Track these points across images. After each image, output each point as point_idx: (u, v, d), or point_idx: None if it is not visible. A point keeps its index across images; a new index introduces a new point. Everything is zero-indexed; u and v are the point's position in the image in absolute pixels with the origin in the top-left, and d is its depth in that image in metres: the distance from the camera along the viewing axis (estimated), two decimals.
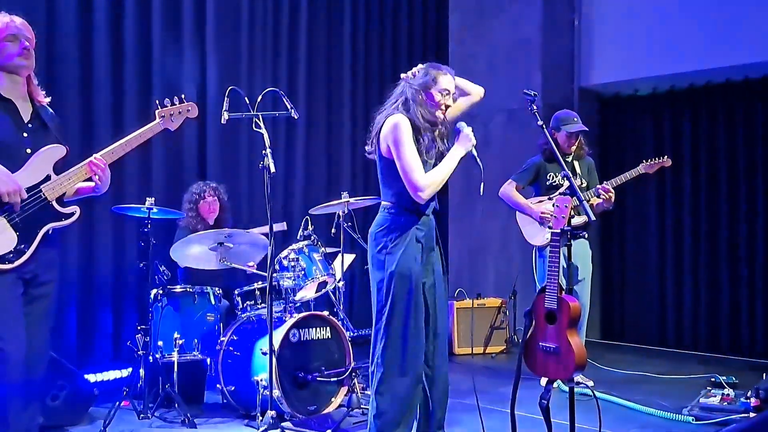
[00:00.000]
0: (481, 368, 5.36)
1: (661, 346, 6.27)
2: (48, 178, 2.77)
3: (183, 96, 3.09)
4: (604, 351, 5.89)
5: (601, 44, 6.35)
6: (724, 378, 4.54)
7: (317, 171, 6.03)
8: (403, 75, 3.14)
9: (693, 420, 3.87)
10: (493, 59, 6.67)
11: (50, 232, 2.77)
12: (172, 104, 3.02)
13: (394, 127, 2.97)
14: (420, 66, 3.12)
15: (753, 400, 3.82)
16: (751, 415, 3.75)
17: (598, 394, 4.34)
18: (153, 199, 4.01)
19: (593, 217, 2.88)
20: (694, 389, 4.41)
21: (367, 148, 3.18)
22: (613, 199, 4.48)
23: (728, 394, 4.12)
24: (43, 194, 2.75)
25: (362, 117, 6.41)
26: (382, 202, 3.13)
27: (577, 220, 4.34)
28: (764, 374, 4.46)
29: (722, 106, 6.07)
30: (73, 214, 2.82)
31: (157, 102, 3.04)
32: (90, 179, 2.87)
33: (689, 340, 6.21)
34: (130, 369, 4.26)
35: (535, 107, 3.22)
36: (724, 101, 6.06)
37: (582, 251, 4.64)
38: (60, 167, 2.81)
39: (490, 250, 6.74)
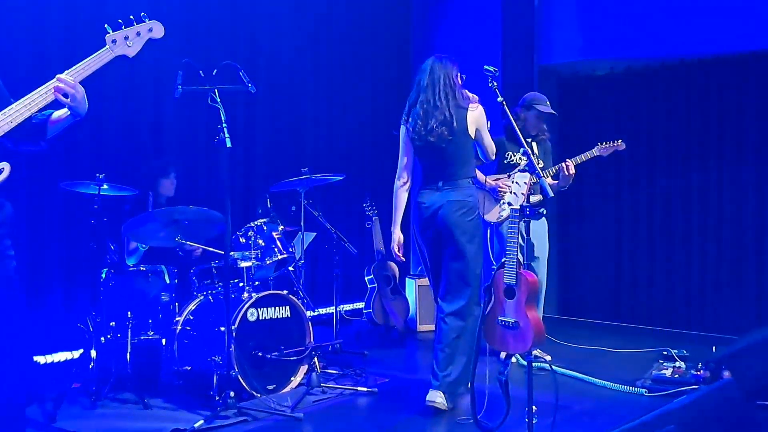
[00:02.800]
0: None
1: (618, 321, 6.38)
2: None
3: (142, 14, 2.59)
4: (561, 326, 5.97)
5: (561, 23, 6.36)
6: (676, 351, 4.66)
7: (280, 148, 5.93)
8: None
9: (645, 392, 3.96)
10: (455, 37, 6.64)
11: None
12: (127, 27, 2.52)
13: (483, 113, 3.69)
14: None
15: (702, 372, 3.92)
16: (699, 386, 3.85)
17: (554, 368, 4.42)
18: (103, 175, 3.88)
19: (551, 194, 2.90)
20: (648, 362, 4.51)
21: (435, 136, 3.64)
22: (572, 178, 4.50)
23: (680, 367, 4.23)
24: None
25: (325, 92, 6.33)
26: (465, 179, 3.69)
27: (533, 198, 4.35)
28: (714, 347, 4.58)
29: (678, 85, 6.15)
30: (1, 171, 2.44)
31: (107, 26, 2.53)
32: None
33: (644, 315, 6.33)
34: (81, 350, 4.15)
35: (495, 84, 3.22)
36: (679, 81, 6.14)
37: (539, 229, 4.67)
38: None
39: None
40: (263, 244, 4.16)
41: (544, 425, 3.08)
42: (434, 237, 3.71)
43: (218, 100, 3.71)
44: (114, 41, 2.51)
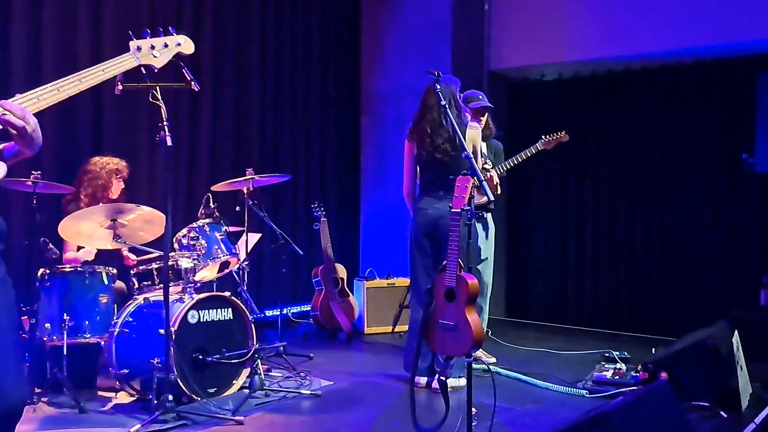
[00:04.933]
0: (390, 347, 5.38)
1: (563, 323, 6.47)
2: None
3: (169, 27, 2.44)
4: (508, 328, 6.03)
5: (511, 29, 6.43)
6: (618, 353, 4.76)
7: (224, 147, 5.84)
8: None
9: (587, 393, 4.02)
10: (406, 39, 6.65)
11: None
12: (154, 35, 2.34)
13: (479, 133, 4.15)
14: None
15: (641, 373, 3.99)
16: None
17: (498, 369, 4.46)
18: (39, 172, 3.77)
19: (492, 197, 2.91)
20: (591, 364, 4.58)
21: (441, 152, 4.01)
22: (498, 188, 4.50)
23: (620, 368, 4.30)
24: None
25: (272, 92, 6.26)
26: None
27: (479, 200, 4.38)
28: (653, 349, 4.68)
29: (624, 91, 6.28)
30: None
31: (131, 33, 2.36)
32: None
33: (589, 317, 6.44)
34: None
35: (438, 87, 3.23)
36: (625, 87, 6.27)
37: (485, 231, 4.70)
38: None
39: (400, 230, 6.77)
40: (206, 244, 4.09)
41: (484, 427, 3.09)
42: (434, 242, 4.05)
43: (159, 97, 3.62)
44: (138, 48, 2.31)
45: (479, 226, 4.69)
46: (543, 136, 4.77)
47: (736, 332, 3.94)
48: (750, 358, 4.00)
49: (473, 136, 4.08)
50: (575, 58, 6.16)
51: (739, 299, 5.69)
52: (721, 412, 3.56)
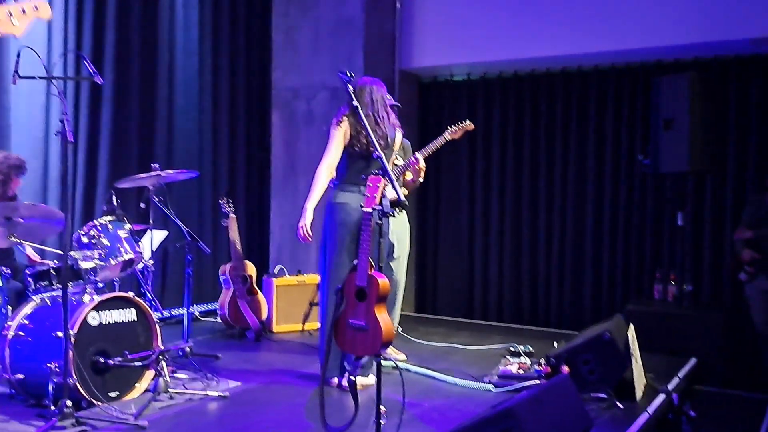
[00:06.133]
0: (299, 345, 5.35)
1: (469, 318, 6.64)
2: None
3: None
4: (417, 324, 6.11)
5: (421, 28, 6.51)
6: (522, 347, 4.92)
7: (126, 141, 5.61)
8: None
9: (493, 388, 4.13)
10: (318, 35, 6.61)
11: None
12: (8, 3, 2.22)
13: None
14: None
15: (544, 367, 4.14)
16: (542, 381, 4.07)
17: (408, 366, 4.52)
18: None
19: (402, 198, 2.95)
20: (496, 358, 4.71)
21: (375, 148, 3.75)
22: (423, 172, 4.56)
23: (524, 362, 4.45)
24: None
25: (179, 86, 6.07)
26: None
27: (392, 195, 4.40)
28: (555, 343, 4.87)
29: (528, 94, 6.49)
30: None
31: None
32: None
33: (494, 312, 6.64)
34: None
35: (351, 87, 3.23)
36: (531, 89, 6.48)
37: (399, 230, 4.71)
38: None
39: (311, 226, 6.71)
40: (108, 243, 3.92)
41: (393, 424, 3.13)
42: (355, 235, 3.97)
43: (60, 90, 3.44)
44: None
45: (400, 224, 4.68)
46: (449, 127, 4.88)
47: (631, 326, 4.14)
48: (643, 349, 4.22)
49: (401, 138, 4.24)
50: (483, 59, 6.32)
51: (634, 294, 6.02)
52: (617, 403, 3.73)
